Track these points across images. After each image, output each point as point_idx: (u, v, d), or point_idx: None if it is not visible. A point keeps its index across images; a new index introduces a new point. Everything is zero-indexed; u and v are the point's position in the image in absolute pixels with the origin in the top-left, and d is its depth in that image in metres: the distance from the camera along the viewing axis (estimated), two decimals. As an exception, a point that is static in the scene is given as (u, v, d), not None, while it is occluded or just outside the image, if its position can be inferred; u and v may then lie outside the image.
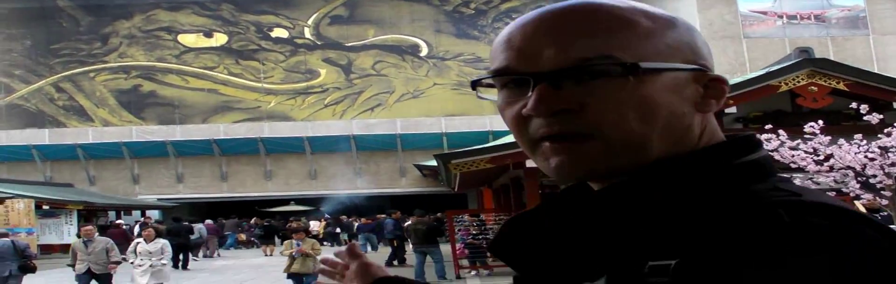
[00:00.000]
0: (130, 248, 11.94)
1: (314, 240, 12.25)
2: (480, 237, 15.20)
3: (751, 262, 0.60)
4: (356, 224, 28.55)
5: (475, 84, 0.81)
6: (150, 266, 11.65)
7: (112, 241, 11.63)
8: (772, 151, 7.82)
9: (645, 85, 0.72)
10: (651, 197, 0.70)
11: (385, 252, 21.52)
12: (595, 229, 0.71)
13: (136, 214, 34.76)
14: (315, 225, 29.43)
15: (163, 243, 11.87)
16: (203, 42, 35.47)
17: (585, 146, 0.72)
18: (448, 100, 34.53)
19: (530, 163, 12.20)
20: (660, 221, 0.67)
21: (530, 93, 0.73)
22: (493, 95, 0.79)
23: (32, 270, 11.53)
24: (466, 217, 16.34)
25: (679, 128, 0.74)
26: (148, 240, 11.81)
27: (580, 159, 0.73)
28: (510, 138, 12.94)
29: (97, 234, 12.01)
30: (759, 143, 0.78)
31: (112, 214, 34.46)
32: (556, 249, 0.74)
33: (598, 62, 0.71)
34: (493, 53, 0.79)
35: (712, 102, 0.77)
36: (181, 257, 20.92)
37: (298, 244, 11.47)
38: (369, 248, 25.31)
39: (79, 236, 13.12)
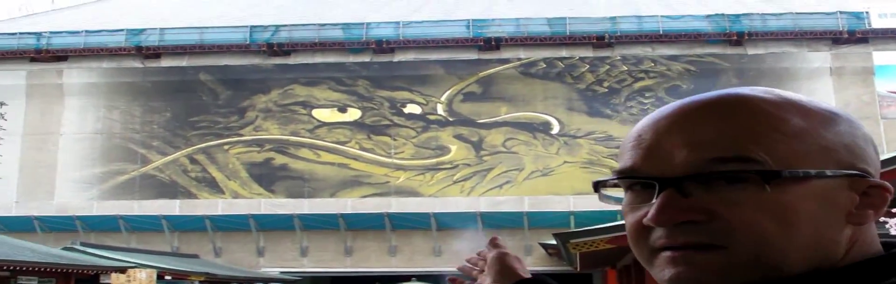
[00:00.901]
0: None
1: None
2: None
3: None
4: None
5: (598, 185, 0.82)
6: None
7: None
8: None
9: (786, 194, 0.69)
10: None
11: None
12: None
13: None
14: None
15: None
16: (337, 117, 39.53)
17: (711, 258, 0.70)
18: (577, 178, 37.33)
19: None
20: None
21: (654, 200, 0.72)
22: (618, 193, 0.82)
23: None
24: None
25: (823, 242, 0.70)
26: None
27: (702, 271, 0.70)
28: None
29: None
30: None
31: (234, 287, 37.16)
32: None
33: (734, 166, 0.69)
34: (621, 149, 0.80)
35: (870, 212, 0.72)
36: None
37: None
38: None
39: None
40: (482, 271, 1.31)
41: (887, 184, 0.73)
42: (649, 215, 0.71)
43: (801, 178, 0.68)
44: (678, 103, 0.75)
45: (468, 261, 1.40)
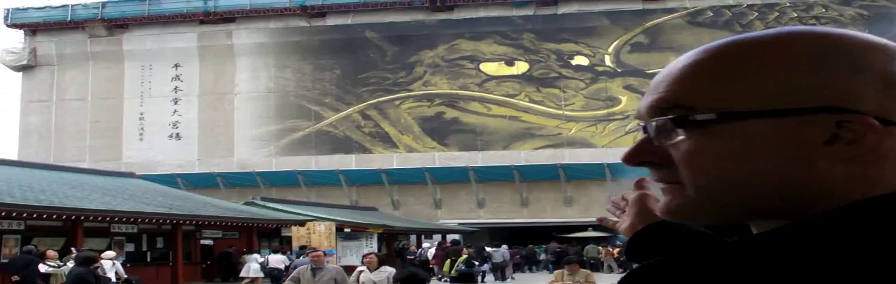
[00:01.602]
0: (353, 277, 11.73)
1: (588, 272, 12.49)
2: None
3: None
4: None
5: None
6: None
7: (343, 271, 11.31)
8: None
9: (724, 135, 0.74)
10: (775, 256, 0.69)
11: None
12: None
13: (437, 238, 41.48)
14: (596, 251, 34.34)
15: (389, 272, 11.41)
16: (505, 70, 42.98)
17: (681, 191, 0.78)
18: (751, 126, 40.29)
19: None
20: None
21: None
22: None
23: None
24: None
25: (787, 180, 0.74)
26: (371, 268, 11.50)
27: (681, 204, 0.78)
28: None
29: (326, 262, 11.96)
30: None
31: (413, 238, 41.23)
32: None
33: (675, 113, 0.75)
34: None
35: (846, 148, 0.73)
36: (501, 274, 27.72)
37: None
38: None
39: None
40: (624, 212, 1.38)
41: (861, 116, 0.72)
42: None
43: (737, 118, 0.73)
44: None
45: (613, 202, 1.48)
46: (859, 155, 0.73)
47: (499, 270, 31.55)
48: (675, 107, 0.75)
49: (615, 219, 1.43)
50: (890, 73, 0.75)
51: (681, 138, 0.76)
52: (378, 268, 11.54)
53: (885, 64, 0.75)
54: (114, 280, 17.81)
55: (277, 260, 26.10)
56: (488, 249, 32.31)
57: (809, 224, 0.71)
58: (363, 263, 12.46)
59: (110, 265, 17.74)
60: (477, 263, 23.77)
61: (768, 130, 0.73)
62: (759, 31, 0.77)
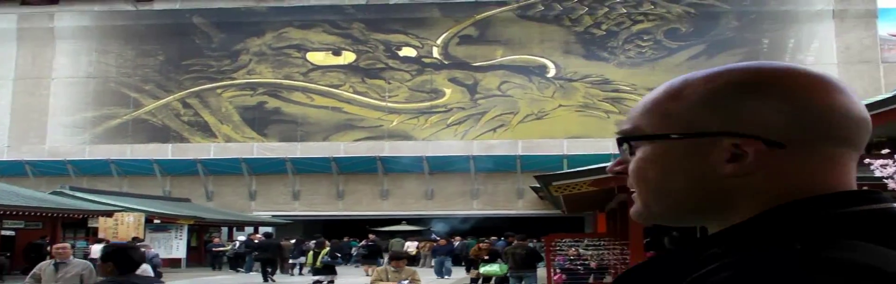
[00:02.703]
0: (34, 270, 11.29)
1: (414, 270, 13.10)
2: (578, 262, 18.74)
3: None
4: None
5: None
6: None
7: (92, 265, 10.79)
8: (887, 178, 9.55)
9: (647, 153, 1.07)
10: (709, 251, 0.98)
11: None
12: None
13: (249, 230, 44.46)
14: (411, 246, 36.96)
15: (82, 266, 10.95)
16: (331, 60, 46.76)
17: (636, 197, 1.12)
18: (572, 122, 44.24)
19: None
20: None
21: None
22: None
23: (158, 278, 15.68)
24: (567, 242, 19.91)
25: (699, 189, 1.04)
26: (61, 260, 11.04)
27: (635, 211, 1.12)
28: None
29: (73, 256, 11.65)
30: (865, 199, 1.00)
31: (224, 230, 44.18)
32: None
33: (621, 135, 1.10)
34: None
35: (735, 165, 1.01)
36: (268, 270, 30.34)
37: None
38: (442, 274, 30.03)
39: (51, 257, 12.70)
40: None
41: (749, 139, 1.00)
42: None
43: (651, 142, 1.06)
44: None
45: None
46: (752, 171, 1.01)
47: None
48: (622, 131, 1.10)
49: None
50: (799, 100, 1.02)
51: (636, 153, 1.09)
52: (69, 261, 11.15)
53: (799, 92, 1.02)
54: None
55: (97, 251, 28.38)
56: (311, 242, 35.47)
57: (719, 236, 1.02)
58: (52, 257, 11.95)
59: None
60: (339, 255, 27.08)
61: (682, 150, 1.04)
62: (711, 69, 1.10)
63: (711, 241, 1.01)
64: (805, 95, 1.01)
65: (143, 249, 17.56)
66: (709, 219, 1.07)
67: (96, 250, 27.52)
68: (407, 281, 12.17)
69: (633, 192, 1.11)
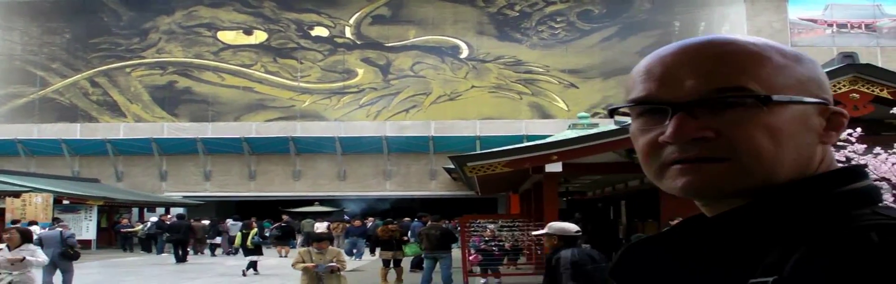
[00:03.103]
0: None
1: (339, 250, 13.00)
2: (493, 243, 19.05)
3: (839, 282, 0.92)
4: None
5: (612, 112, 1.23)
6: (9, 282, 11.26)
7: None
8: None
9: (775, 115, 1.09)
10: (761, 221, 1.08)
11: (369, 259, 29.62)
12: (711, 251, 1.10)
13: (161, 211, 45.81)
14: (321, 227, 37.69)
15: (31, 251, 11.54)
16: (242, 39, 47.98)
17: (717, 168, 1.11)
18: (485, 103, 46.02)
19: (550, 167, 16.06)
20: (767, 242, 1.04)
21: (668, 121, 1.12)
22: (625, 119, 1.24)
23: (75, 257, 17.69)
24: (482, 223, 20.10)
25: (804, 156, 1.13)
26: (11, 247, 11.43)
27: (711, 179, 1.11)
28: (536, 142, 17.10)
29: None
30: (865, 173, 1.17)
31: (135, 211, 45.47)
32: (675, 273, 1.14)
33: (734, 93, 1.09)
34: (630, 82, 1.20)
35: (833, 133, 1.17)
36: (180, 252, 31.85)
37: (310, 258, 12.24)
38: (354, 255, 30.96)
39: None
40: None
41: (844, 111, 1.17)
42: (667, 132, 1.12)
43: (785, 103, 1.10)
44: (680, 43, 1.18)
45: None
46: (834, 140, 1.15)
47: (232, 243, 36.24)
48: (737, 88, 1.10)
49: None
50: (824, 77, 1.19)
51: (736, 115, 1.10)
52: (19, 246, 11.59)
53: (821, 70, 1.20)
54: None
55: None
56: (229, 222, 36.94)
57: (789, 190, 1.11)
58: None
59: None
60: (268, 235, 28.36)
61: (800, 115, 1.12)
62: (732, 35, 1.20)
63: (762, 209, 1.10)
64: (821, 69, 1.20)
65: (59, 229, 19.66)
66: (756, 194, 1.12)
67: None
68: (333, 263, 12.11)
69: (699, 161, 1.13)
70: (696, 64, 1.13)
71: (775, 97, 1.10)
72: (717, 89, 1.10)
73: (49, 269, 17.54)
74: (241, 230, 28.09)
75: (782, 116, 1.11)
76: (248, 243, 26.12)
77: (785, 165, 1.11)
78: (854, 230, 0.98)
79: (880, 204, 1.11)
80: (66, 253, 17.97)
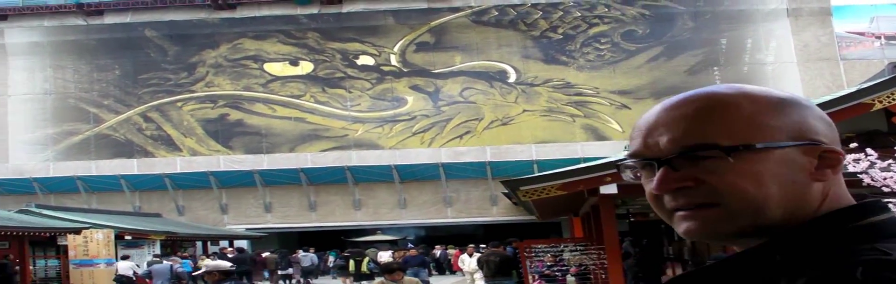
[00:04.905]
0: None
1: (416, 280, 12.22)
2: (556, 268, 18.98)
3: None
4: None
5: (618, 166, 1.36)
6: None
7: None
8: (860, 173, 9.81)
9: (751, 161, 1.19)
10: (771, 258, 1.17)
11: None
12: None
13: (225, 244, 46.60)
14: (385, 256, 36.96)
15: None
16: (289, 70, 48.44)
17: (708, 213, 1.22)
18: (538, 127, 46.63)
19: (605, 189, 15.83)
20: (777, 278, 1.13)
21: (656, 174, 1.26)
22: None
23: None
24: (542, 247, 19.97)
25: (795, 194, 1.21)
26: None
27: (704, 223, 1.23)
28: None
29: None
30: (882, 207, 1.22)
31: (199, 244, 46.21)
32: None
33: (703, 150, 1.21)
34: (630, 137, 1.35)
35: (827, 171, 1.23)
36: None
37: None
38: None
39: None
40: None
41: (837, 149, 1.24)
42: (653, 185, 1.26)
43: (756, 149, 1.20)
44: (664, 102, 1.30)
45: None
46: (832, 177, 1.23)
47: (307, 274, 37.13)
48: (703, 145, 1.21)
49: None
50: (821, 116, 1.27)
51: (713, 165, 1.21)
52: None
53: (811, 111, 1.27)
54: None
55: (125, 267, 30.52)
56: (300, 253, 37.82)
57: (796, 228, 1.19)
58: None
59: None
60: (332, 266, 28.82)
61: (779, 157, 1.21)
62: (711, 87, 1.30)
63: (773, 248, 1.19)
64: (817, 108, 1.30)
65: (168, 262, 21.65)
66: (764, 234, 1.22)
67: (123, 267, 30.46)
68: None
69: (693, 208, 1.25)
70: (670, 125, 1.26)
71: (741, 147, 1.21)
72: (689, 147, 1.23)
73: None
74: (353, 258, 29.28)
75: (760, 160, 1.21)
76: (363, 269, 27.18)
77: (772, 204, 1.21)
78: (844, 267, 1.07)
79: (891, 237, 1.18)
80: None
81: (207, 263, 9.38)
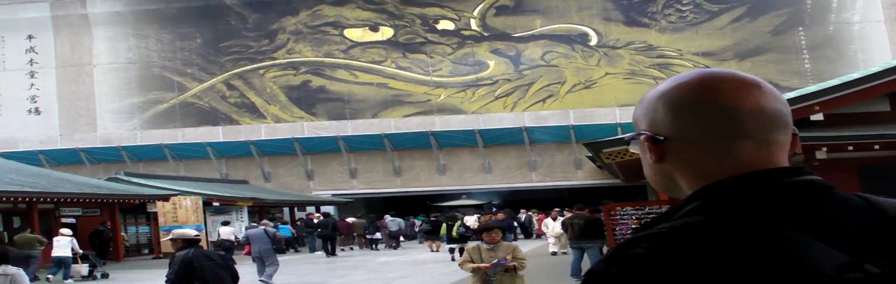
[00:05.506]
0: None
1: (515, 245, 10.64)
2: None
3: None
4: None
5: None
6: None
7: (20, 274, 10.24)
8: None
9: (641, 148, 1.47)
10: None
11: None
12: None
13: (311, 210, 47.00)
14: (471, 220, 36.89)
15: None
16: (369, 36, 48.53)
17: None
18: (621, 89, 46.44)
19: None
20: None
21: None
22: None
23: (281, 251, 20.81)
24: (629, 209, 20.01)
25: (657, 175, 1.48)
26: None
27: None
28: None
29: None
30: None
31: (286, 210, 46.65)
32: None
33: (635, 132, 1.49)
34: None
35: (649, 154, 1.45)
36: (329, 247, 33.36)
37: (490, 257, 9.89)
38: None
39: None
40: None
41: (657, 135, 1.42)
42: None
43: (633, 137, 1.48)
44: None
45: None
46: (661, 159, 1.44)
47: (394, 238, 37.66)
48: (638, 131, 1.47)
49: None
50: (681, 104, 1.40)
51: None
52: None
53: (685, 99, 1.40)
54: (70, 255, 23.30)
55: (227, 232, 31.25)
56: (387, 218, 38.27)
57: (667, 213, 1.37)
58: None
59: (68, 241, 23.29)
60: (471, 228, 29.45)
61: (642, 144, 1.45)
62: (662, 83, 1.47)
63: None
64: (688, 100, 1.40)
65: (262, 227, 22.09)
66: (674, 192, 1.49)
67: (225, 231, 31.31)
68: (507, 260, 9.80)
69: None
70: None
71: (627, 135, 1.57)
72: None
73: (258, 262, 20.88)
74: (446, 222, 29.86)
75: (639, 147, 1.48)
76: (454, 233, 27.75)
77: (652, 180, 1.50)
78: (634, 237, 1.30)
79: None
80: (277, 248, 20.97)
81: (175, 231, 9.86)
